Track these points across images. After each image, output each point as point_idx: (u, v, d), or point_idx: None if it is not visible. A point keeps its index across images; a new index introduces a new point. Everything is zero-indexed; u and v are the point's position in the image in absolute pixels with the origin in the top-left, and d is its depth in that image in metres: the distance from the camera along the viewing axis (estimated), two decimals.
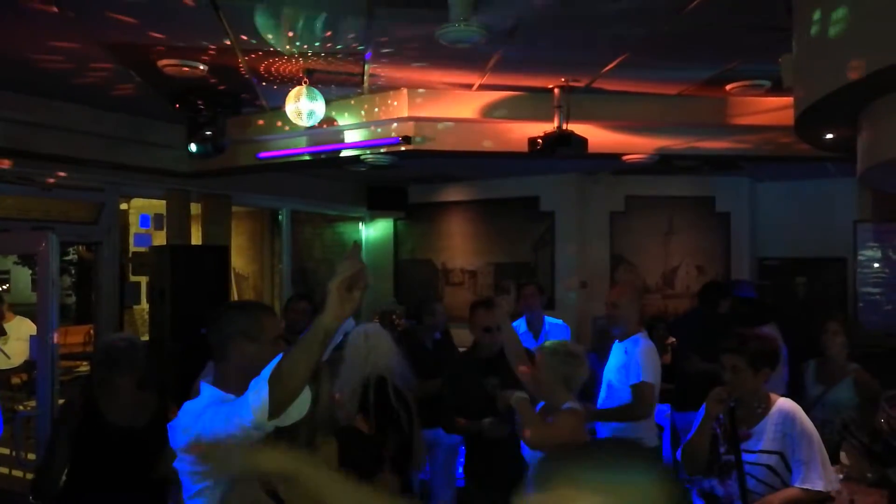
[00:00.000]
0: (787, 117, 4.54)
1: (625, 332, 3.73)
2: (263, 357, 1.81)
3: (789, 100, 4.46)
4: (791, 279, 7.18)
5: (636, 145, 5.12)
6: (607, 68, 4.26)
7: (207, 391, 1.98)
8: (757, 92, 4.67)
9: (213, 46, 3.77)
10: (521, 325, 5.04)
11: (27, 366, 5.79)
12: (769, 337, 2.98)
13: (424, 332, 4.77)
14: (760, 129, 5.00)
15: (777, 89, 4.45)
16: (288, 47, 3.82)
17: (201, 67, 4.04)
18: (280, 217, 7.39)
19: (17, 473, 4.57)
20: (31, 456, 4.45)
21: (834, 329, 4.09)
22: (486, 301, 3.66)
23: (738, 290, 5.77)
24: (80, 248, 7.93)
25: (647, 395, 3.50)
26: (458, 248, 7.77)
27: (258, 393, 1.65)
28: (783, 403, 2.74)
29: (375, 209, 8.08)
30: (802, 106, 2.80)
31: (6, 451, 4.88)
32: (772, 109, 4.83)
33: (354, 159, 5.24)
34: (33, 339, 4.39)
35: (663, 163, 5.60)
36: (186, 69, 4.01)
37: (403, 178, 7.48)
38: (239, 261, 7.80)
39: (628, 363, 3.60)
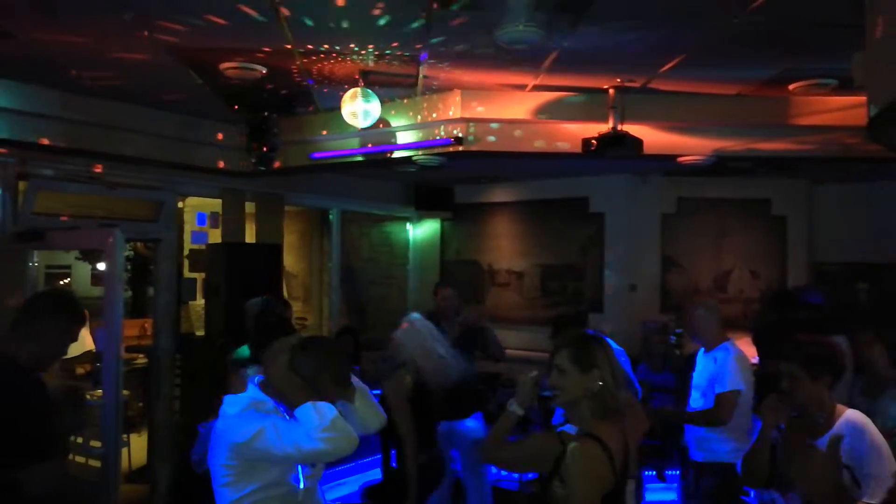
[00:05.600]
0: (854, 117, 4.42)
1: (710, 343, 3.82)
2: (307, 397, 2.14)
3: (857, 99, 4.33)
4: (851, 285, 6.93)
5: (692, 146, 5.02)
6: (665, 68, 4.19)
7: (250, 391, 2.24)
8: (822, 91, 4.53)
9: (271, 49, 3.84)
10: None
11: (87, 356, 6.03)
12: (829, 342, 2.88)
13: None
14: (824, 129, 4.83)
15: (843, 88, 4.31)
16: (347, 50, 3.86)
17: (261, 70, 4.11)
18: (330, 216, 7.48)
19: (80, 459, 4.76)
20: (95, 443, 4.62)
21: (867, 339, 4.03)
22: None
23: (807, 296, 5.61)
24: (138, 244, 8.17)
25: (728, 402, 3.60)
26: (505, 248, 7.75)
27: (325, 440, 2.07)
28: (851, 415, 2.64)
29: (423, 209, 8.12)
30: (877, 105, 2.70)
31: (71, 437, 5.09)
32: (837, 109, 4.68)
33: (406, 160, 5.28)
34: (100, 331, 4.55)
35: (718, 165, 5.48)
36: (247, 72, 4.09)
37: (451, 179, 7.50)
38: (289, 259, 7.92)
39: (719, 372, 3.66)
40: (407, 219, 8.36)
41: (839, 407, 2.67)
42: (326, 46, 3.83)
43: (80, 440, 4.82)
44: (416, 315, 3.81)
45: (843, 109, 4.69)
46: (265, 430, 2.06)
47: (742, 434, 3.66)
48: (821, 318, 5.20)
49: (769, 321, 5.46)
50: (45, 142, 4.69)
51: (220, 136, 5.59)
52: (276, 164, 5.19)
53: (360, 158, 5.36)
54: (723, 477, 3.64)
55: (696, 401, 3.87)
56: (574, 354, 2.24)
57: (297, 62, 4.06)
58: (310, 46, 3.79)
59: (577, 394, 2.22)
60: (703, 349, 3.92)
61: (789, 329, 4.47)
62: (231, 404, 2.18)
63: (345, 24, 3.47)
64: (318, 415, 2.08)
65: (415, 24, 3.46)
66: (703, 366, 3.86)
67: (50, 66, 4.08)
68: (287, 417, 2.17)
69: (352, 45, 3.81)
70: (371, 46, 3.84)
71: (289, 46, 3.73)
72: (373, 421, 2.43)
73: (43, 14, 3.32)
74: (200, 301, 7.05)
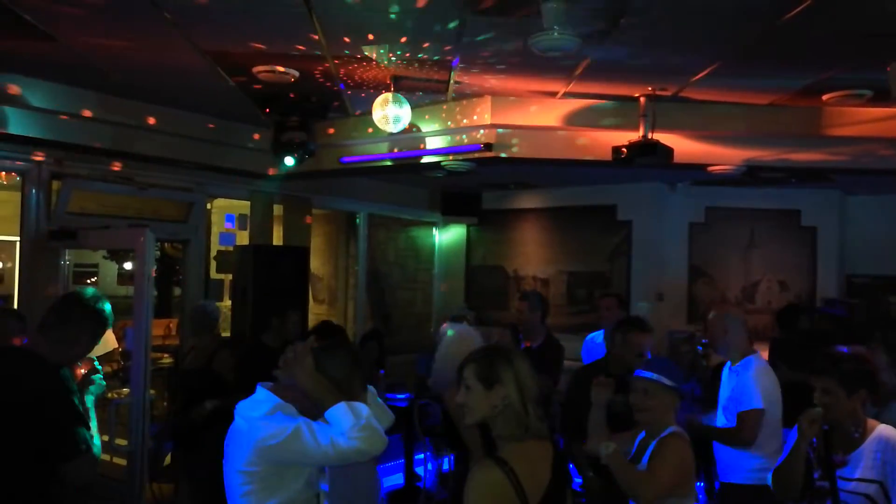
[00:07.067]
0: (888, 129, 4.36)
1: (735, 355, 3.67)
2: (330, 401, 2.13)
3: (892, 111, 4.27)
4: (883, 298, 6.82)
5: (723, 156, 4.97)
6: (697, 77, 4.15)
7: (264, 395, 2.17)
8: (856, 102, 4.46)
9: (304, 52, 3.87)
10: (598, 337, 4.97)
11: (111, 355, 6.13)
12: (863, 357, 2.83)
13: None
14: (859, 140, 4.76)
15: (879, 99, 4.24)
16: (379, 54, 3.88)
17: (294, 73, 4.15)
18: (357, 220, 7.52)
19: (105, 457, 4.83)
20: (122, 441, 4.68)
21: (872, 348, 3.94)
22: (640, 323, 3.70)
23: (826, 308, 5.54)
24: (165, 244, 8.27)
25: (750, 421, 3.42)
26: (531, 255, 7.73)
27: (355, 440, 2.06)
28: (883, 430, 2.60)
29: (449, 215, 8.14)
30: None
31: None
32: (872, 120, 4.60)
33: (435, 165, 5.29)
34: (129, 331, 4.62)
35: (748, 174, 5.42)
36: (280, 75, 4.13)
37: (478, 185, 7.51)
38: (314, 261, 7.98)
39: (739, 387, 3.54)
40: (433, 224, 8.38)
41: (870, 421, 2.63)
42: (359, 52, 3.84)
43: (105, 437, 4.89)
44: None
45: (877, 121, 4.62)
46: (301, 429, 2.05)
47: (772, 454, 3.53)
48: (834, 331, 5.11)
49: (784, 335, 5.38)
50: (80, 142, 4.77)
51: (250, 139, 5.65)
52: (303, 166, 5.22)
53: (389, 163, 5.38)
54: (753, 501, 3.53)
55: (719, 415, 3.79)
56: (478, 370, 2.03)
57: (329, 65, 4.09)
58: (344, 40, 3.72)
59: (483, 412, 2.02)
60: (729, 362, 3.84)
61: (806, 342, 4.39)
62: (252, 408, 2.13)
63: (377, 20, 3.46)
64: (355, 414, 2.08)
65: (450, 26, 3.47)
66: (727, 380, 3.73)
67: (87, 67, 4.15)
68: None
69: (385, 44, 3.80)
70: (407, 52, 3.85)
71: (316, 36, 3.70)
72: (384, 420, 2.41)
73: (84, 17, 3.38)
74: (227, 302, 7.12)
